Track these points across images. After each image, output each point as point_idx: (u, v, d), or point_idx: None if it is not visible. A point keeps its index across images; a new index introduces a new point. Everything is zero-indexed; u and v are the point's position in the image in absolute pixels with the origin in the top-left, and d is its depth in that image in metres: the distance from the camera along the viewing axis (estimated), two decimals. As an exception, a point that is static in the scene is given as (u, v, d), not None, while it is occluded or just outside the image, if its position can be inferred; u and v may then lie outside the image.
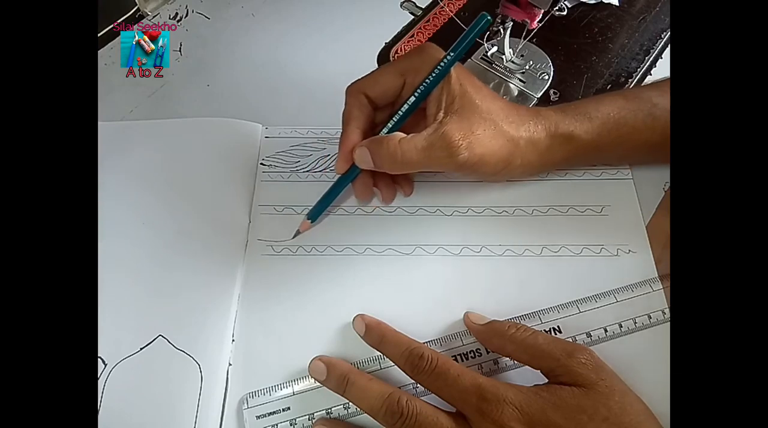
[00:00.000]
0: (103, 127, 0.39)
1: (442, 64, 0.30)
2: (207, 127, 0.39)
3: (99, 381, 0.29)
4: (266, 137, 0.39)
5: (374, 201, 0.35)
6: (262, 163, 0.37)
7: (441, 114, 0.30)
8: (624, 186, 0.35)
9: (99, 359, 0.30)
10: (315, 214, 0.33)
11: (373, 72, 0.32)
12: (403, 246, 0.34)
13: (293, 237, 0.34)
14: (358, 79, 0.32)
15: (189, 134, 0.39)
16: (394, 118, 0.31)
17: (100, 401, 0.29)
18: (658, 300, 0.31)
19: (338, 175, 0.32)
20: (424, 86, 0.30)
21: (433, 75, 0.30)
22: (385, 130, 0.31)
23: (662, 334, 0.30)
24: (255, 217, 0.35)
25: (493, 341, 0.28)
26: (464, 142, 0.29)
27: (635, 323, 0.30)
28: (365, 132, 0.32)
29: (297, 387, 0.29)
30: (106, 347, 0.30)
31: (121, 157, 0.38)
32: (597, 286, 0.31)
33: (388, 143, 0.29)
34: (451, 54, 0.30)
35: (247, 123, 0.39)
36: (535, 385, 0.25)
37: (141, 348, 0.30)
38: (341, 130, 0.32)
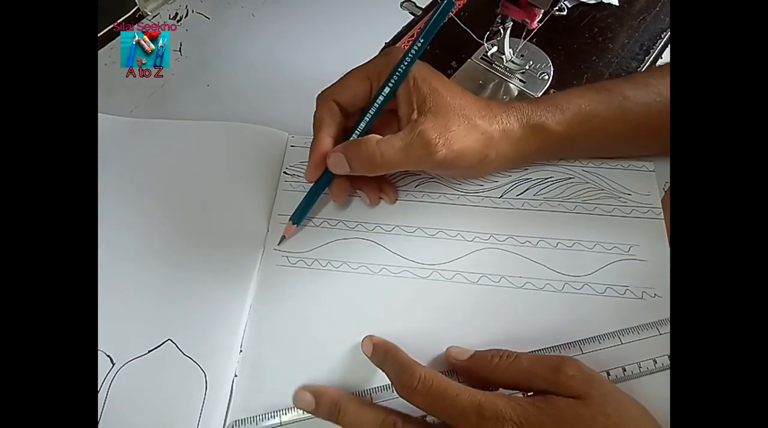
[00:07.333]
0: (121, 122, 0.39)
1: (403, 63, 0.30)
2: (232, 132, 0.39)
3: (106, 380, 0.29)
4: (291, 146, 0.38)
5: (395, 219, 0.35)
6: (285, 172, 0.37)
7: (414, 114, 0.30)
8: (653, 225, 0.33)
9: (108, 357, 0.30)
10: (298, 218, 0.33)
11: (341, 78, 0.32)
12: (419, 269, 0.33)
13: (279, 244, 0.34)
14: (328, 87, 0.32)
15: (214, 138, 0.39)
16: (362, 122, 0.31)
17: (105, 399, 0.29)
18: (664, 345, 0.29)
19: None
20: (388, 87, 0.31)
21: (396, 75, 0.30)
22: (355, 135, 0.31)
23: (667, 381, 0.28)
24: (273, 226, 0.35)
25: (479, 374, 0.27)
26: (441, 139, 0.29)
27: (639, 368, 0.28)
28: (336, 139, 0.32)
29: (285, 418, 0.28)
30: (115, 346, 0.30)
31: (145, 155, 0.38)
32: (616, 328, 0.30)
33: (366, 145, 0.29)
34: (412, 52, 0.30)
35: (272, 130, 0.39)
36: (532, 395, 0.25)
37: (149, 351, 0.30)
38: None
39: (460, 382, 0.26)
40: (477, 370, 0.27)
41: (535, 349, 0.29)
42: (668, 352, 0.28)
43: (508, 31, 0.39)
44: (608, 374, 0.28)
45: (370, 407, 0.26)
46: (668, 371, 0.28)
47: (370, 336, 0.30)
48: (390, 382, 0.27)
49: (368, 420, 0.25)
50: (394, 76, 0.30)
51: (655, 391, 0.27)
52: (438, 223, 0.34)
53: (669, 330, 0.29)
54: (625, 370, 0.28)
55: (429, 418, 0.26)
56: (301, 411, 0.28)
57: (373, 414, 0.25)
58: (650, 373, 0.28)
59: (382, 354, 0.28)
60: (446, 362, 0.29)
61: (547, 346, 0.29)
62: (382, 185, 0.35)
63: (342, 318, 0.31)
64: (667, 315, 0.30)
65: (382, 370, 0.28)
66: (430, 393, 0.24)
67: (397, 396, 0.26)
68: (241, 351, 0.30)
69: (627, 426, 0.23)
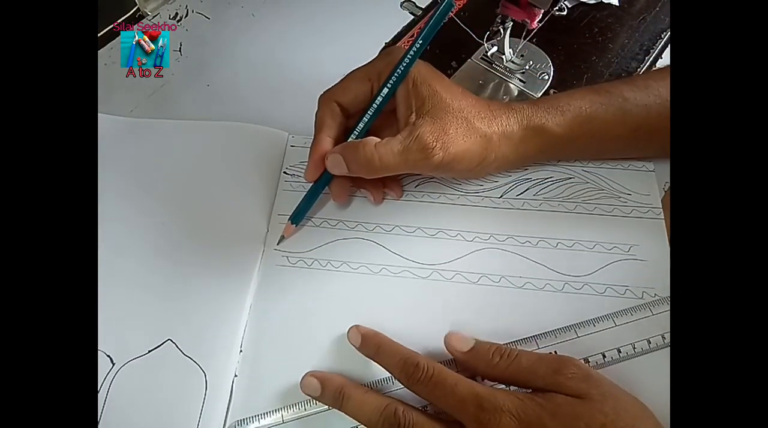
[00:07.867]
0: (121, 122, 0.39)
1: (401, 65, 0.30)
2: (232, 132, 0.39)
3: (106, 380, 0.29)
4: (291, 146, 0.38)
5: (395, 219, 0.35)
6: (285, 172, 0.37)
7: (413, 116, 0.30)
8: (653, 225, 0.33)
9: (108, 357, 0.30)
10: (298, 218, 0.33)
11: (343, 78, 0.32)
12: (419, 269, 0.33)
13: (278, 244, 0.34)
14: (330, 88, 0.32)
15: (214, 138, 0.39)
16: (360, 123, 0.32)
17: (105, 399, 0.29)
18: (658, 325, 0.29)
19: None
20: (387, 88, 0.31)
21: (395, 76, 0.30)
22: (353, 136, 0.31)
23: (662, 360, 0.29)
24: (273, 226, 0.35)
25: (479, 369, 0.27)
26: (438, 143, 0.29)
27: (634, 348, 0.29)
28: (337, 139, 0.32)
29: (287, 415, 0.28)
30: (115, 346, 0.30)
31: (145, 155, 0.38)
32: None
33: (364, 148, 0.29)
34: (410, 53, 0.30)
35: (272, 130, 0.39)
36: (531, 392, 0.25)
37: (149, 351, 0.30)
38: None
39: (457, 372, 0.27)
40: (476, 365, 0.27)
41: (532, 335, 0.29)
42: (662, 332, 0.29)
43: (508, 31, 0.39)
44: (603, 356, 0.29)
45: (373, 394, 0.27)
46: (662, 350, 0.29)
47: (357, 326, 0.30)
48: (389, 374, 0.28)
49: (371, 407, 0.26)
50: (393, 78, 0.30)
51: (651, 371, 0.28)
52: (438, 223, 0.34)
53: (661, 311, 0.30)
54: (620, 351, 0.29)
55: (429, 409, 0.27)
56: (303, 408, 0.28)
57: (375, 402, 0.26)
58: (645, 353, 0.29)
59: (375, 347, 0.28)
60: (445, 349, 0.29)
61: (543, 332, 0.30)
62: (386, 181, 0.35)
63: (342, 319, 0.31)
64: (661, 298, 0.31)
65: (378, 362, 0.28)
66: (432, 382, 0.25)
67: (392, 391, 0.28)
68: (241, 351, 0.30)
69: (625, 424, 0.23)
